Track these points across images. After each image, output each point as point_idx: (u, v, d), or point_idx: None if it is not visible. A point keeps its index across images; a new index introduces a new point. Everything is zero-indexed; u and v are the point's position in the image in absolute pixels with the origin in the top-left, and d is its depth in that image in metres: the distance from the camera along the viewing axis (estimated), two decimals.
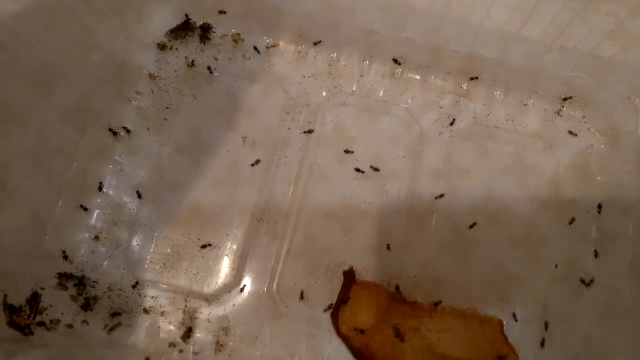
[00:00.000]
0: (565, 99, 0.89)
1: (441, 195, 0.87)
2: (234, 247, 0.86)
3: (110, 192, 0.86)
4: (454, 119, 0.90)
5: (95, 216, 0.85)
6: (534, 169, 0.89)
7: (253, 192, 0.87)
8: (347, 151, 0.89)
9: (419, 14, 0.84)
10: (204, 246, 0.85)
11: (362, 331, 0.83)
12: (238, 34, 0.93)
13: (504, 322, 0.85)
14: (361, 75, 0.92)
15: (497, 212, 0.87)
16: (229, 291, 0.84)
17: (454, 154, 0.89)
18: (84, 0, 0.80)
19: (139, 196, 0.86)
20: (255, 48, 0.92)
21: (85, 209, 0.84)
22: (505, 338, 0.84)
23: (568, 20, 0.80)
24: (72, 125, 0.83)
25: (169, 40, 0.92)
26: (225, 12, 0.92)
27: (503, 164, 0.89)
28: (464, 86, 0.92)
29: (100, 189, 0.85)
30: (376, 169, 0.88)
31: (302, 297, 0.83)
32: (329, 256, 0.86)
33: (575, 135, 0.89)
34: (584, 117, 0.90)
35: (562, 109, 0.90)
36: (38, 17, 0.75)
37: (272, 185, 0.88)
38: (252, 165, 0.88)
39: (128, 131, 0.88)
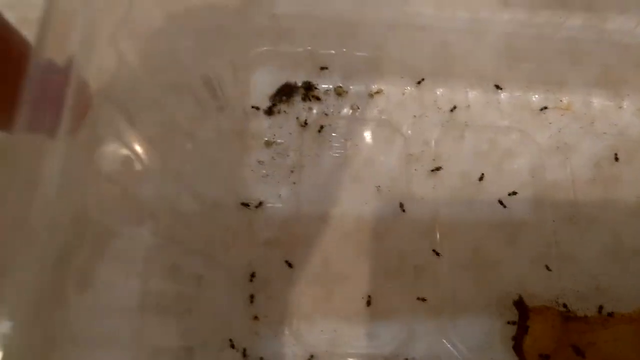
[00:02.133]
0: None
1: None
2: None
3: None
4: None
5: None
6: None
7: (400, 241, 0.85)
8: (480, 179, 0.89)
9: None
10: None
11: (547, 357, 0.81)
12: (341, 87, 0.93)
13: None
14: (468, 106, 0.94)
15: None
16: None
17: None
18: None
19: (290, 265, 0.82)
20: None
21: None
22: None
23: None
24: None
25: (275, 104, 0.91)
26: (327, 68, 0.92)
27: None
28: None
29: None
30: (514, 193, 0.88)
31: None
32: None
33: None
34: None
35: None
36: None
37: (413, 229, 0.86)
38: (402, 209, 0.86)
39: (260, 203, 0.84)
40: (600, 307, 0.83)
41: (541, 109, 0.93)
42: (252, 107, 0.89)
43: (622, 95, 0.94)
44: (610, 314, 0.84)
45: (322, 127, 0.90)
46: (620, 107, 0.94)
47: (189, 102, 0.74)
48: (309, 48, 0.90)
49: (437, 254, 0.84)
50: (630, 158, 0.91)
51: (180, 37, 0.64)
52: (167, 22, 0.62)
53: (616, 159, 0.91)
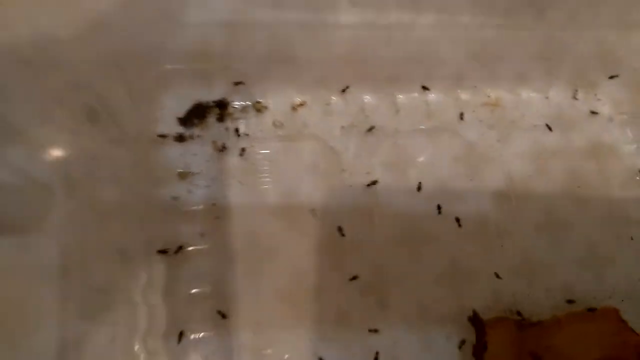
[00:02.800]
0: None
1: None
2: None
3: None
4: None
5: None
6: None
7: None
8: (419, 188, 0.83)
9: None
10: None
11: None
12: (260, 102, 0.83)
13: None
14: (397, 111, 0.87)
15: None
16: None
17: None
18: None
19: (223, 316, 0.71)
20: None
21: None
22: (626, 323, 0.84)
23: None
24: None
25: (186, 129, 0.79)
26: (242, 83, 0.82)
27: None
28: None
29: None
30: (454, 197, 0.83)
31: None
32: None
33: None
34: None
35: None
36: None
37: None
38: (341, 234, 0.78)
39: (180, 247, 0.73)
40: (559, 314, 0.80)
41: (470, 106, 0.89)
42: (159, 135, 0.77)
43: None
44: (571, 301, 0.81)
45: (243, 149, 0.80)
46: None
47: (78, 141, 0.60)
48: (220, 62, 0.79)
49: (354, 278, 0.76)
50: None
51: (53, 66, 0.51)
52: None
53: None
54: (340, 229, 0.77)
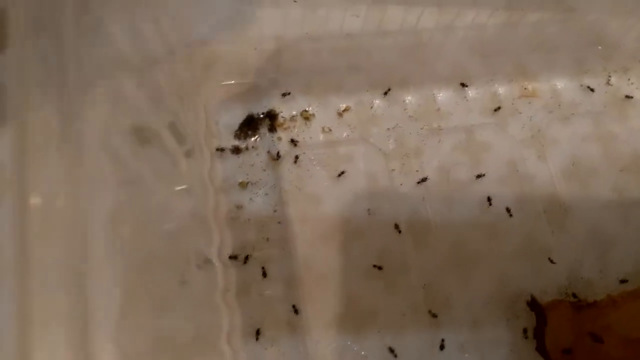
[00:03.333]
0: None
1: None
2: None
3: None
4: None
5: None
6: None
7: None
8: (479, 176, 0.86)
9: None
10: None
11: (569, 351, 0.79)
12: (307, 110, 0.87)
13: None
14: (438, 109, 0.91)
15: None
16: None
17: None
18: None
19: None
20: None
21: None
22: None
23: None
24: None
25: (241, 141, 0.84)
26: (289, 93, 0.86)
27: None
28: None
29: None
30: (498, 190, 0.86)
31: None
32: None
33: None
34: None
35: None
36: None
37: None
38: (398, 230, 0.81)
39: (248, 255, 0.77)
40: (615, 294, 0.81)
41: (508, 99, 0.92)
42: (217, 149, 0.82)
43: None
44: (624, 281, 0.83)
45: (297, 157, 0.84)
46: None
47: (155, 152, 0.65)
48: (269, 75, 0.84)
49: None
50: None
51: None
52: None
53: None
54: (397, 226, 0.81)
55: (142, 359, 0.43)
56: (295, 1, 0.73)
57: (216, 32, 0.81)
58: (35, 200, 0.35)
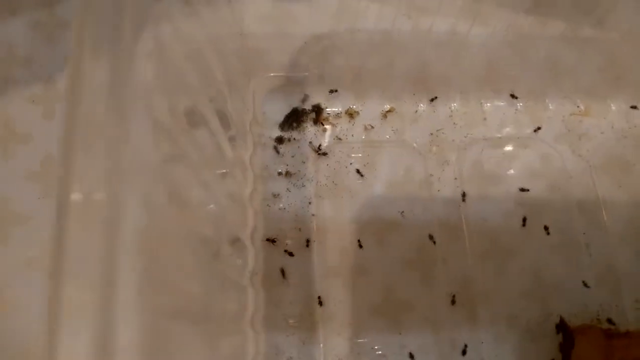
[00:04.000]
0: None
1: None
2: None
3: None
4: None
5: None
6: None
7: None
8: (522, 189, 0.85)
9: None
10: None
11: None
12: (351, 108, 0.88)
13: None
14: (484, 119, 0.90)
15: None
16: None
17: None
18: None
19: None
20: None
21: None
22: None
23: None
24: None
25: (285, 132, 0.86)
26: (336, 91, 0.87)
27: None
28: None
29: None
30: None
31: None
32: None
33: None
34: None
35: None
36: None
37: None
38: (432, 241, 0.81)
39: (273, 240, 0.79)
40: None
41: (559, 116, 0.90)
42: (261, 137, 0.84)
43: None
44: None
45: (337, 152, 0.85)
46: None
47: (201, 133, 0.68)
48: (316, 71, 0.85)
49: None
50: None
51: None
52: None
53: None
54: (431, 237, 0.81)
55: (164, 331, 0.45)
56: None
57: (268, 24, 0.83)
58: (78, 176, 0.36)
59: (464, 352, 0.75)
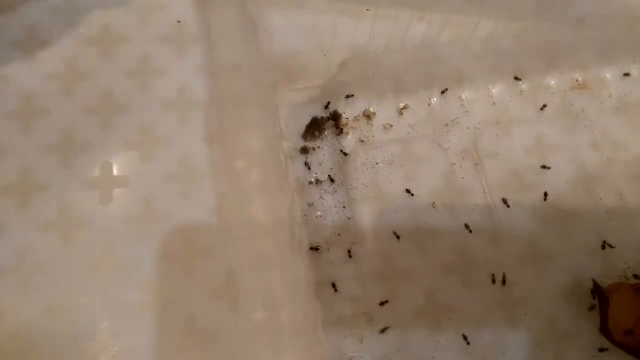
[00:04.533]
0: None
1: None
2: None
3: None
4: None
5: None
6: None
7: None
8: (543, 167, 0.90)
9: None
10: None
11: (630, 332, 0.82)
12: (368, 110, 0.91)
13: None
14: (493, 103, 0.94)
15: None
16: None
17: None
18: None
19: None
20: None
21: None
22: None
23: None
24: None
25: (307, 142, 0.88)
26: (352, 95, 0.90)
27: None
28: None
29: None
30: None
31: None
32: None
33: None
34: None
35: None
36: None
37: None
38: (469, 230, 0.85)
39: (317, 248, 0.82)
40: None
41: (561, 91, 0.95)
42: (288, 149, 0.87)
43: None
44: None
45: (361, 154, 0.88)
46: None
47: None
48: (335, 80, 0.88)
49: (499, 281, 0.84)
50: None
51: None
52: None
53: None
54: (467, 226, 0.85)
55: None
56: (367, 10, 0.77)
57: (294, 39, 0.86)
58: None
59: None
